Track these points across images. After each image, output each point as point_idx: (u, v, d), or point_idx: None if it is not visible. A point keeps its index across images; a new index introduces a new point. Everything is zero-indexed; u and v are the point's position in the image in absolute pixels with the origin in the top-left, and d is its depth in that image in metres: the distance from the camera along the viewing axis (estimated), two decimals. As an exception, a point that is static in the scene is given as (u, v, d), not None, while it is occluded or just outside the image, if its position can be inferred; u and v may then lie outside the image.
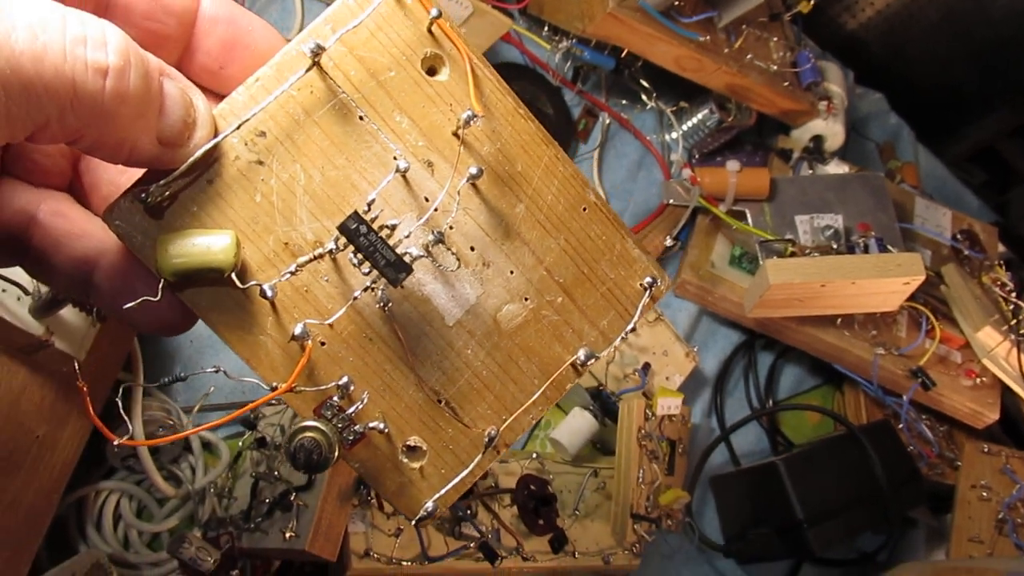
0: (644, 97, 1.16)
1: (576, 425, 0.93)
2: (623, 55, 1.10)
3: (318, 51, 0.30)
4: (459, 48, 0.33)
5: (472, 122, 0.33)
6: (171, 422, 0.72)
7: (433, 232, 0.33)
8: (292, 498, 0.70)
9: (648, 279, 0.37)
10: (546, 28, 1.10)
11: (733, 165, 1.08)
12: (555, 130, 1.09)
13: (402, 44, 0.32)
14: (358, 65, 0.32)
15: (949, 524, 1.04)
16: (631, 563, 0.88)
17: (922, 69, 1.68)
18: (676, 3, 1.03)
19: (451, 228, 0.34)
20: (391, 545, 0.75)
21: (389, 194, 0.33)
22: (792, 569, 1.07)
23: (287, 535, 0.69)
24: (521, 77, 1.11)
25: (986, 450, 1.07)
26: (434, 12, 0.32)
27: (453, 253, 0.34)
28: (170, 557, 0.70)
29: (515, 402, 0.35)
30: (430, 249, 0.33)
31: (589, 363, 0.36)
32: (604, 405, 0.93)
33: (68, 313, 0.64)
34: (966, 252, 1.14)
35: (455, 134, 0.33)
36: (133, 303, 0.29)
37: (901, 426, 1.09)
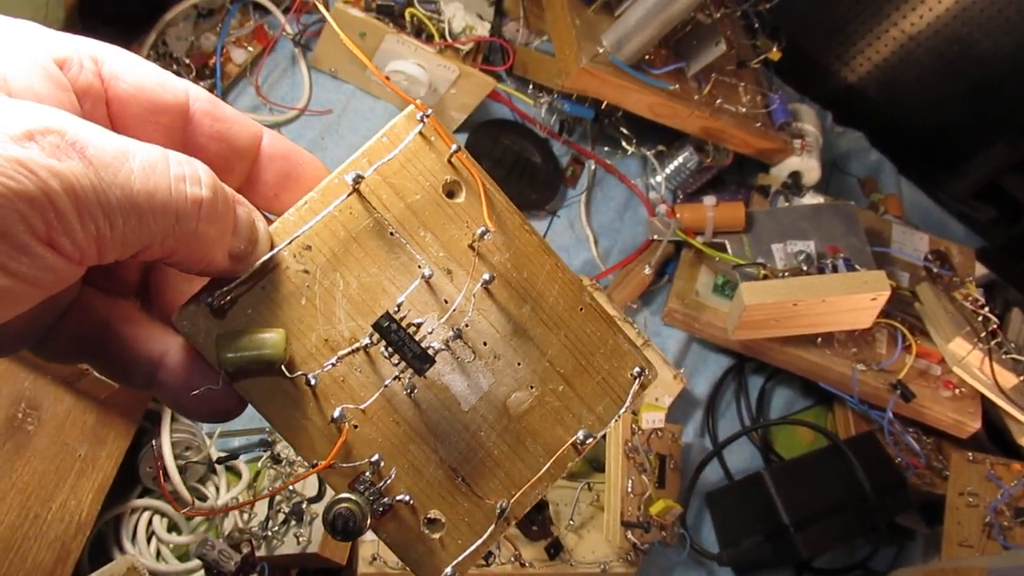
0: (625, 144, 1.26)
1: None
2: (603, 106, 1.20)
3: (358, 180, 0.36)
4: (474, 175, 0.38)
5: (485, 236, 0.38)
6: (194, 442, 0.80)
7: (452, 329, 0.38)
8: (304, 508, 0.78)
9: (637, 369, 0.41)
10: (531, 86, 1.22)
11: (709, 200, 1.17)
12: (545, 177, 1.20)
13: (427, 172, 0.38)
14: (390, 190, 0.37)
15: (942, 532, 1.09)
16: (627, 572, 0.94)
17: (917, 110, 1.74)
18: (647, 57, 1.14)
19: (467, 326, 0.38)
20: (397, 552, 0.83)
21: (415, 297, 0.38)
22: (791, 580, 1.12)
23: (300, 541, 0.77)
24: (511, 131, 1.21)
25: (971, 458, 1.11)
26: (454, 147, 0.38)
27: (469, 347, 0.38)
28: (198, 565, 0.78)
29: (523, 478, 0.39)
30: (450, 344, 0.38)
31: (588, 443, 0.40)
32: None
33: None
34: (935, 270, 1.21)
35: (471, 246, 0.38)
36: (199, 391, 0.34)
37: (888, 438, 1.14)
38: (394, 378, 0.37)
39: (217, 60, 1.03)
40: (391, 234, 0.37)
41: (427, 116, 0.38)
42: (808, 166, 1.30)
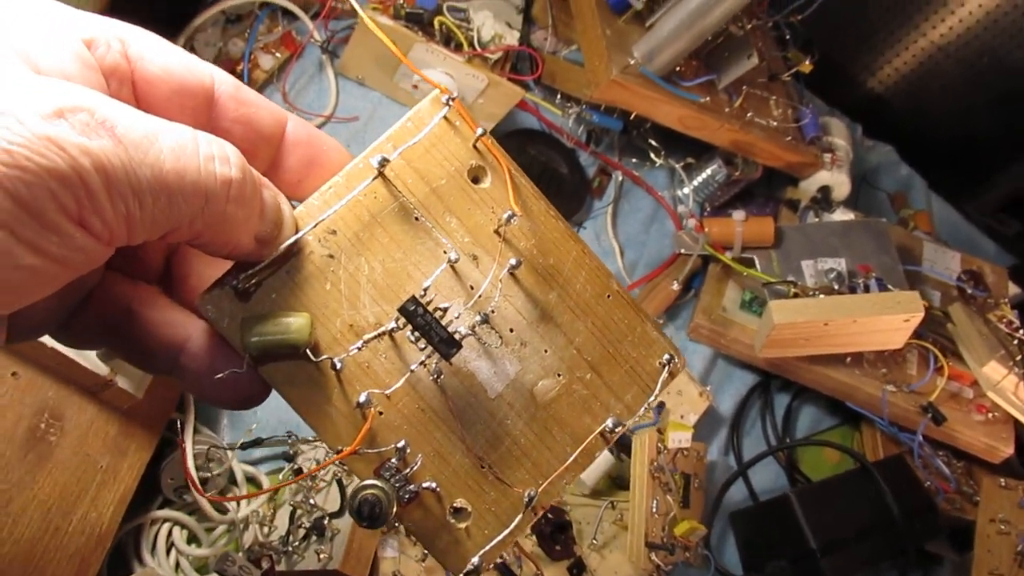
0: (653, 155, 1.24)
1: (594, 461, 0.98)
2: (631, 117, 1.18)
3: (383, 163, 0.36)
4: (499, 160, 0.38)
5: (511, 221, 0.38)
6: (216, 454, 0.79)
7: (479, 314, 0.38)
8: (326, 523, 0.77)
9: (666, 357, 0.41)
10: (559, 96, 1.20)
11: (739, 215, 1.15)
12: (571, 188, 1.19)
13: (452, 157, 0.38)
14: (415, 175, 0.37)
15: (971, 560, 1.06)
16: (650, 593, 0.93)
17: (943, 122, 1.72)
18: (677, 68, 1.12)
19: (493, 312, 0.38)
20: (418, 570, 0.81)
21: (440, 283, 0.37)
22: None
23: (321, 556, 0.76)
24: (538, 141, 1.20)
25: (1003, 484, 1.09)
26: (479, 131, 0.38)
27: (496, 333, 0.38)
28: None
29: (550, 468, 0.39)
30: (476, 329, 0.38)
31: (616, 431, 0.39)
32: (620, 441, 0.99)
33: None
34: (969, 291, 1.18)
35: (496, 231, 0.38)
36: (223, 374, 0.33)
37: (917, 461, 1.12)
38: (420, 363, 0.37)
39: (245, 66, 1.03)
40: (416, 219, 0.37)
41: (452, 100, 0.38)
42: (838, 181, 1.28)
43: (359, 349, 0.36)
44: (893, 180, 1.53)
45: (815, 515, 0.99)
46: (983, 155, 1.75)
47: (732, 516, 1.09)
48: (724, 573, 1.03)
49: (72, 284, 0.27)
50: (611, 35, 1.09)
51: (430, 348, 0.36)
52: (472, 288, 0.38)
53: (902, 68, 1.67)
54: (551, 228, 0.40)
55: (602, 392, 0.40)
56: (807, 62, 1.25)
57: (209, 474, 0.80)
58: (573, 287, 0.39)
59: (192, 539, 0.82)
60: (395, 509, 0.35)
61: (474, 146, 0.38)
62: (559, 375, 0.39)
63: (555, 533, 0.86)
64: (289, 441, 0.86)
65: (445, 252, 0.37)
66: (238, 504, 0.82)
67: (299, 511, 0.80)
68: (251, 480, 0.85)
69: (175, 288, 0.37)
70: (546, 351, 0.39)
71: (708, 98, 1.13)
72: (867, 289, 1.05)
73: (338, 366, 0.35)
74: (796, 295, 1.05)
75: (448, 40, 1.07)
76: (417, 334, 0.36)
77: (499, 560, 0.81)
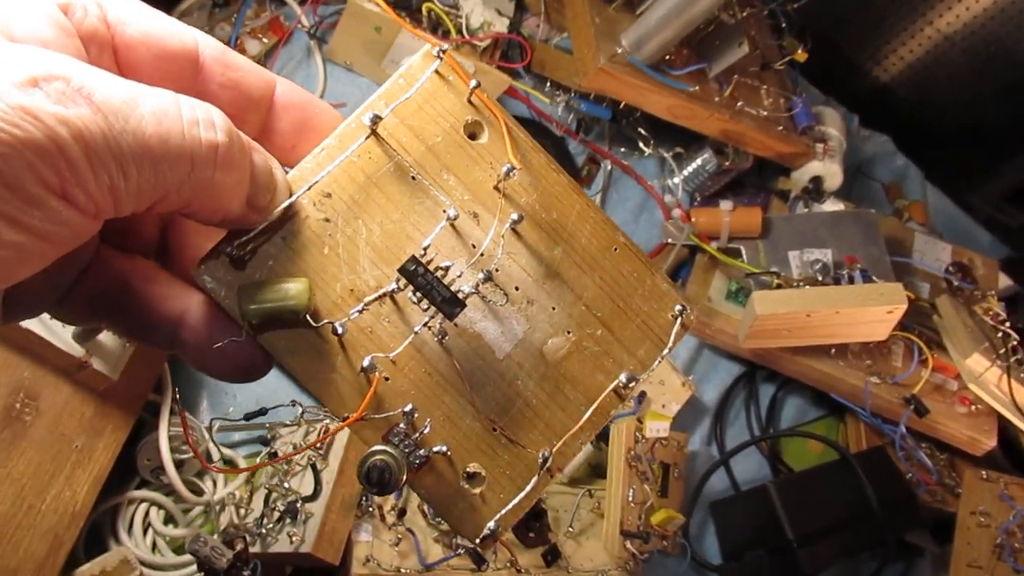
0: (642, 145, 1.24)
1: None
2: (621, 106, 1.18)
3: (375, 120, 0.35)
4: (495, 113, 0.37)
5: (511, 175, 0.37)
6: (194, 437, 0.80)
7: (482, 272, 0.37)
8: (299, 506, 0.78)
9: (678, 308, 0.39)
10: (548, 84, 1.20)
11: (726, 205, 1.15)
12: (559, 176, 1.18)
13: (446, 113, 0.37)
14: (409, 133, 0.36)
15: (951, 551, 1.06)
16: (626, 580, 0.93)
17: (948, 111, 1.70)
18: (667, 57, 1.12)
19: (497, 271, 0.37)
20: (391, 554, 0.82)
21: (441, 243, 0.36)
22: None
23: (293, 539, 0.77)
24: (527, 129, 1.19)
25: (985, 477, 1.09)
26: (473, 83, 0.37)
27: (501, 291, 0.37)
28: (192, 560, 0.78)
29: (564, 428, 0.37)
30: (480, 287, 0.37)
31: (631, 385, 0.38)
32: (599, 429, 0.99)
33: (105, 337, 0.73)
34: (956, 283, 1.18)
35: (496, 188, 0.37)
36: (221, 343, 0.33)
37: (900, 453, 1.12)
38: (424, 325, 0.36)
39: (232, 50, 1.02)
40: (413, 178, 0.36)
41: (443, 53, 0.37)
42: (830, 171, 1.27)
43: (360, 313, 0.35)
44: (888, 171, 1.52)
45: (793, 506, 0.99)
46: (989, 145, 1.73)
47: (712, 506, 1.09)
48: (700, 562, 1.04)
49: (65, 260, 0.27)
50: (600, 23, 1.09)
51: (433, 309, 0.35)
52: (474, 247, 0.37)
53: (908, 57, 1.65)
54: (552, 182, 0.38)
55: (614, 348, 0.39)
56: (801, 50, 1.25)
57: (185, 456, 0.81)
58: (578, 241, 0.38)
59: (169, 519, 0.83)
60: (405, 475, 0.34)
61: (469, 100, 0.37)
62: (569, 332, 0.38)
63: (529, 520, 0.86)
64: (267, 425, 0.87)
65: (444, 211, 0.36)
66: (214, 486, 0.83)
67: (274, 494, 0.81)
68: (229, 462, 0.86)
69: (172, 260, 0.37)
70: (554, 308, 0.38)
71: (697, 87, 1.13)
72: (851, 280, 1.05)
73: (339, 331, 0.34)
74: (779, 286, 1.05)
75: (436, 27, 1.06)
76: (419, 295, 0.35)
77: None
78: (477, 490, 0.36)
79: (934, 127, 1.68)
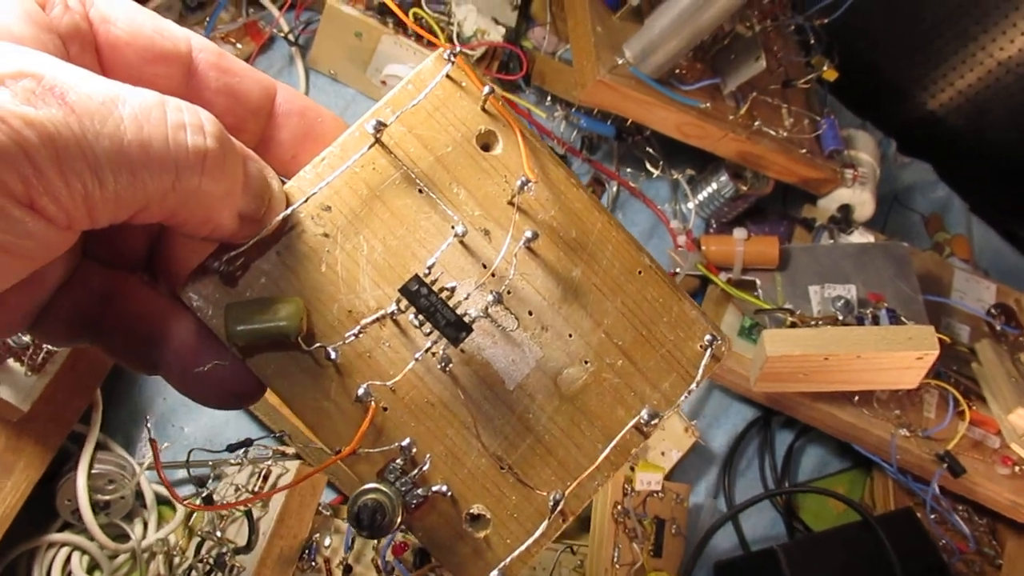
0: (650, 166, 1.14)
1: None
2: (628, 123, 1.09)
3: (379, 128, 0.33)
4: (510, 121, 0.35)
5: (526, 188, 0.34)
6: (122, 475, 0.72)
7: (492, 293, 0.34)
8: (228, 559, 0.69)
9: (708, 338, 0.36)
10: (548, 98, 1.11)
11: (740, 233, 1.05)
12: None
13: (458, 122, 0.34)
14: (417, 143, 0.34)
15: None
16: (610, 652, 0.83)
17: (1000, 142, 1.59)
18: (677, 71, 1.02)
19: (508, 293, 0.34)
20: (337, 614, 0.73)
21: (448, 262, 0.34)
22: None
23: (219, 597, 0.68)
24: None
25: (1030, 547, 0.96)
26: (486, 89, 0.34)
27: (512, 315, 0.34)
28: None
29: (579, 467, 0.34)
30: (489, 310, 0.34)
31: (653, 424, 0.35)
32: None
33: (16, 364, 0.66)
34: (999, 327, 1.06)
35: (510, 202, 0.34)
36: (205, 367, 0.30)
37: (931, 517, 0.99)
38: (426, 350, 0.33)
39: (206, 56, 0.96)
40: (420, 191, 0.34)
41: (455, 56, 0.34)
42: (860, 199, 1.16)
43: (356, 336, 0.32)
44: (928, 201, 1.40)
45: (805, 574, 0.88)
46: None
47: (716, 567, 0.98)
48: (698, 633, 0.92)
49: (41, 274, 0.26)
50: (602, 32, 1.00)
51: (437, 333, 0.32)
52: (485, 267, 0.34)
53: (957, 83, 1.55)
54: (573, 197, 0.35)
55: (636, 380, 0.36)
56: (827, 67, 1.14)
57: (110, 496, 0.73)
58: (599, 263, 0.35)
59: (94, 567, 0.75)
60: (400, 516, 0.31)
61: (483, 108, 0.35)
62: (586, 362, 0.35)
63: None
64: (210, 463, 0.79)
65: (452, 227, 0.34)
66: (144, 530, 0.75)
67: (207, 543, 0.72)
68: (164, 503, 0.78)
69: (160, 277, 0.34)
70: (571, 335, 0.35)
71: (710, 104, 1.03)
72: (876, 320, 0.94)
73: (332, 356, 0.32)
74: (794, 324, 0.94)
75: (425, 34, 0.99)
76: (421, 318, 0.32)
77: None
78: (481, 534, 0.34)
79: (981, 157, 1.56)
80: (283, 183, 0.33)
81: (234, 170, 0.28)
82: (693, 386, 0.36)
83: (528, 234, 0.34)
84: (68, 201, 0.22)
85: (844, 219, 1.17)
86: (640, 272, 0.36)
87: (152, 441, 0.64)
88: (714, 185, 1.15)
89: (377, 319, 0.33)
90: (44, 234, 0.23)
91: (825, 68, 1.13)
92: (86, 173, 0.22)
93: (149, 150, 0.24)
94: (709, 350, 0.36)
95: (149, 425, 0.85)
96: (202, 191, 0.26)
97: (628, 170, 1.16)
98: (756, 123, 1.06)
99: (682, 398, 0.36)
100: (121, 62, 0.29)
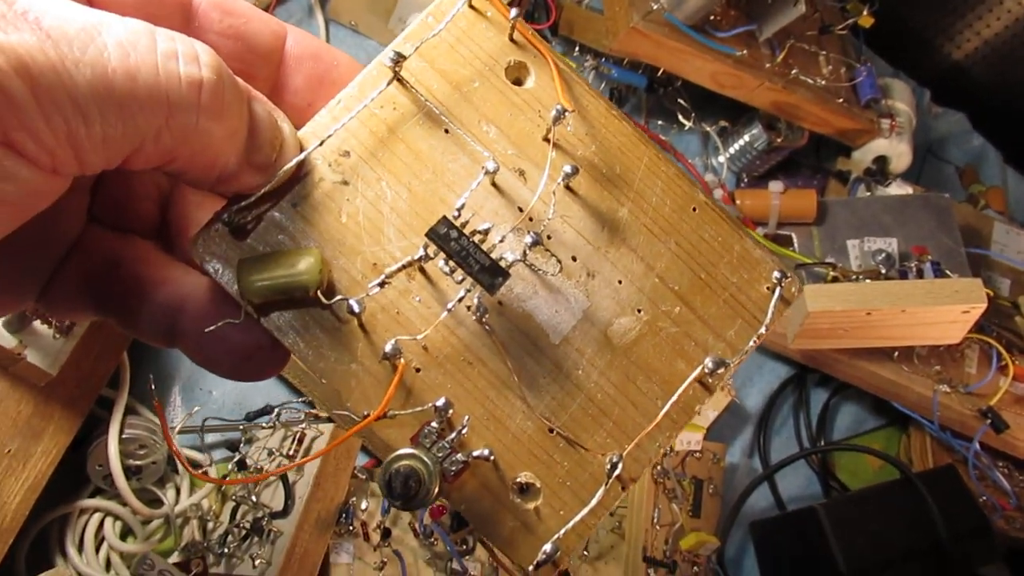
0: (682, 117, 1.10)
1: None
2: (659, 73, 1.05)
3: (398, 59, 0.30)
4: (540, 50, 0.32)
5: (562, 119, 0.31)
6: (153, 440, 0.70)
7: (530, 234, 0.30)
8: (266, 524, 0.68)
9: (777, 274, 0.33)
10: (577, 48, 1.07)
11: (776, 186, 1.02)
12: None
13: (484, 55, 0.32)
14: (440, 79, 0.31)
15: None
16: (649, 612, 0.81)
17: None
18: (712, 17, 0.98)
19: (549, 238, 0.31)
20: (375, 578, 0.72)
21: (479, 204, 0.31)
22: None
23: (257, 563, 0.67)
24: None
25: (1073, 503, 0.94)
26: (513, 13, 0.31)
27: (555, 258, 0.31)
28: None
29: (637, 428, 0.31)
30: (527, 254, 0.31)
31: (719, 373, 0.32)
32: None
33: (43, 327, 0.64)
34: (1044, 280, 1.03)
35: (546, 139, 0.32)
36: (215, 326, 0.28)
37: (973, 473, 0.98)
38: (458, 300, 0.30)
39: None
40: (446, 131, 0.31)
41: None
42: (897, 151, 1.12)
43: (380, 287, 0.29)
44: (963, 152, 1.36)
45: (847, 533, 0.86)
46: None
47: (752, 526, 0.97)
48: (738, 593, 0.91)
49: (42, 239, 0.24)
50: (634, -23, 0.96)
51: (470, 281, 0.29)
52: (520, 211, 0.31)
53: (984, 32, 1.49)
54: (615, 130, 0.32)
55: (696, 328, 0.32)
56: (866, 13, 1.10)
57: (142, 462, 0.71)
58: (648, 201, 0.32)
59: (127, 532, 0.73)
60: (438, 485, 0.28)
61: (511, 39, 0.32)
62: (639, 311, 0.32)
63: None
64: (241, 427, 0.77)
65: (482, 165, 0.31)
66: (177, 495, 0.74)
67: (242, 507, 0.71)
68: (196, 467, 0.76)
69: (174, 242, 0.32)
70: (620, 282, 0.32)
71: (746, 51, 0.99)
72: (920, 274, 0.91)
73: (356, 309, 0.29)
74: (836, 279, 0.91)
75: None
76: (452, 264, 0.29)
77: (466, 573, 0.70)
78: (531, 505, 0.30)
79: (1015, 108, 1.52)
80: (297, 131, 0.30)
81: (237, 108, 0.25)
82: (762, 330, 0.33)
83: (567, 169, 0.31)
84: (49, 138, 0.20)
85: (880, 171, 1.13)
86: (695, 209, 0.33)
87: (157, 404, 0.63)
88: (747, 137, 1.12)
89: (403, 266, 0.30)
90: (27, 177, 0.21)
91: (864, 14, 1.09)
92: (67, 105, 0.20)
93: (136, 80, 0.22)
94: (777, 290, 0.33)
95: (152, 387, 0.82)
96: (201, 129, 0.24)
97: (659, 123, 1.12)
98: (793, 71, 1.02)
99: (750, 345, 0.33)
100: (111, 3, 0.26)
